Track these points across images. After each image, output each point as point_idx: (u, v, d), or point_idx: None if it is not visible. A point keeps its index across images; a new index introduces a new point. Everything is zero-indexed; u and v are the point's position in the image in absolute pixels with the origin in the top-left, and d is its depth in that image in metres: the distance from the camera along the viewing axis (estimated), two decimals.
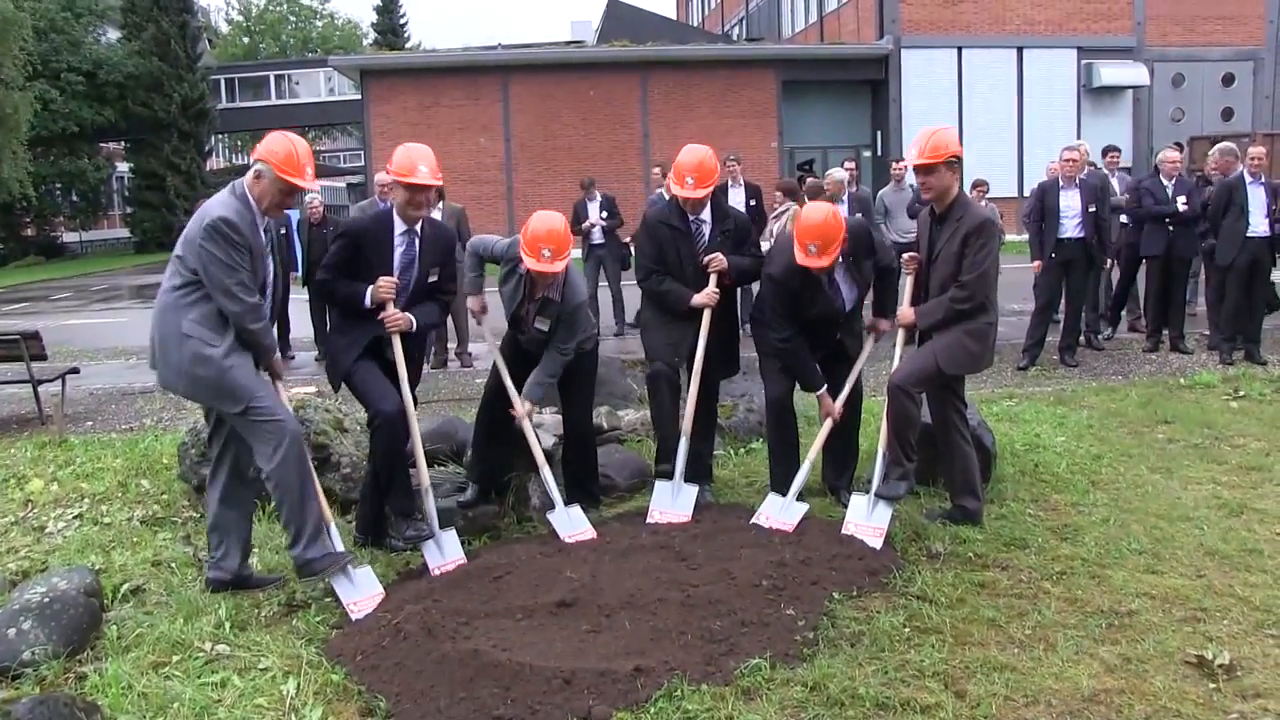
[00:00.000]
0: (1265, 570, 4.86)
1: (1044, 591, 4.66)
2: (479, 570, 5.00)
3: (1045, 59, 28.09)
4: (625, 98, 27.96)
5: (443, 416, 7.56)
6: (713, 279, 5.86)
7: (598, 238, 13.20)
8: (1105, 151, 12.25)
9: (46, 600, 4.30)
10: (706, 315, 5.87)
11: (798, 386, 5.89)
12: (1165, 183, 10.72)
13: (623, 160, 27.45)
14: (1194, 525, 5.50)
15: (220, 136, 54.09)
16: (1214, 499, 5.96)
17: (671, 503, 5.73)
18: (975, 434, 6.03)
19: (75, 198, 42.71)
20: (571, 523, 5.50)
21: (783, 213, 11.93)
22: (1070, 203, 10.11)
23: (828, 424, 5.81)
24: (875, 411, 6.52)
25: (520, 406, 5.68)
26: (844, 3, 31.17)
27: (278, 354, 5.06)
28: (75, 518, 6.22)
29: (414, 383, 5.48)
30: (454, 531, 5.35)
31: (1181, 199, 10.58)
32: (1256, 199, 10.06)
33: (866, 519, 5.28)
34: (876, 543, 5.13)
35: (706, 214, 5.99)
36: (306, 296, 11.85)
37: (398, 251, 5.33)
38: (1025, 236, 11.00)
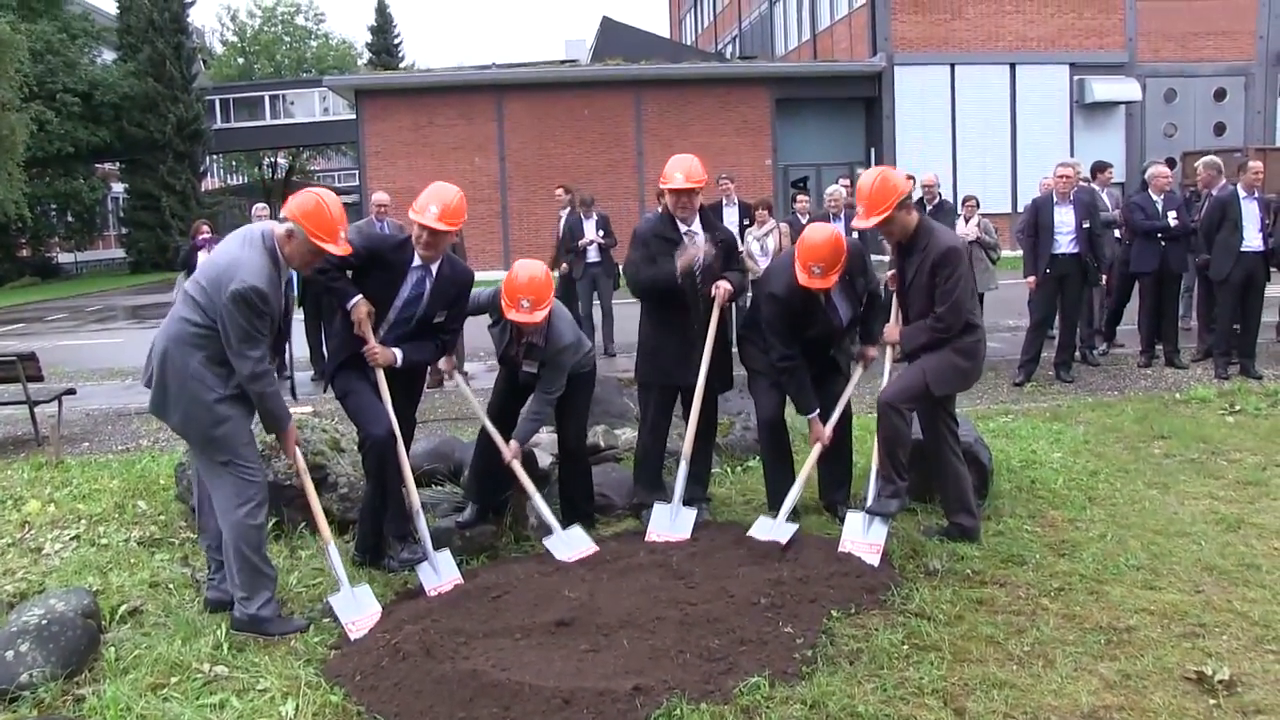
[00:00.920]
0: (1263, 585, 4.87)
1: (1042, 608, 4.66)
2: (478, 590, 4.99)
3: (1038, 75, 28.22)
4: (619, 116, 28.05)
5: (440, 436, 7.56)
6: (717, 303, 5.91)
7: (594, 256, 13.21)
8: (1098, 169, 12.24)
9: (44, 622, 4.29)
10: (712, 331, 5.91)
11: (795, 413, 5.91)
12: (1156, 198, 10.76)
13: (617, 178, 27.53)
14: (1191, 540, 5.50)
15: (215, 157, 54.08)
16: (1211, 514, 5.97)
17: (670, 525, 5.72)
18: (972, 450, 6.05)
19: (70, 218, 42.63)
20: (570, 544, 5.49)
21: (766, 234, 11.98)
22: (1064, 218, 10.12)
23: (817, 448, 5.83)
24: (871, 428, 6.52)
25: (508, 451, 5.69)
26: (837, 20, 31.33)
27: (292, 425, 4.90)
28: (72, 539, 6.19)
29: (415, 400, 5.49)
30: (448, 552, 5.34)
31: (1172, 214, 10.62)
32: (1250, 214, 10.10)
33: (863, 536, 5.27)
34: (874, 559, 5.13)
35: (697, 225, 6.02)
36: (303, 316, 11.84)
37: (407, 283, 5.33)
38: (1020, 252, 11.02)
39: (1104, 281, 11.23)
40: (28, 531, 6.40)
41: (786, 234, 11.77)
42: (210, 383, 4.52)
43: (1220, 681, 3.88)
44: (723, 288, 5.90)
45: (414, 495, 5.34)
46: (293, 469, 5.35)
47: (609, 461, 6.87)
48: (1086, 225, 10.10)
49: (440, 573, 5.18)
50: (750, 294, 7.07)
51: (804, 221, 11.97)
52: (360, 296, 5.22)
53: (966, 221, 12.33)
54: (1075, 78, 28.30)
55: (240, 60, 58.82)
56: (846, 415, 5.96)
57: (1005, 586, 4.92)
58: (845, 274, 5.63)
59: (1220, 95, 29.22)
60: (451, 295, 5.48)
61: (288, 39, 59.01)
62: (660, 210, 6.23)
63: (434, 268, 5.36)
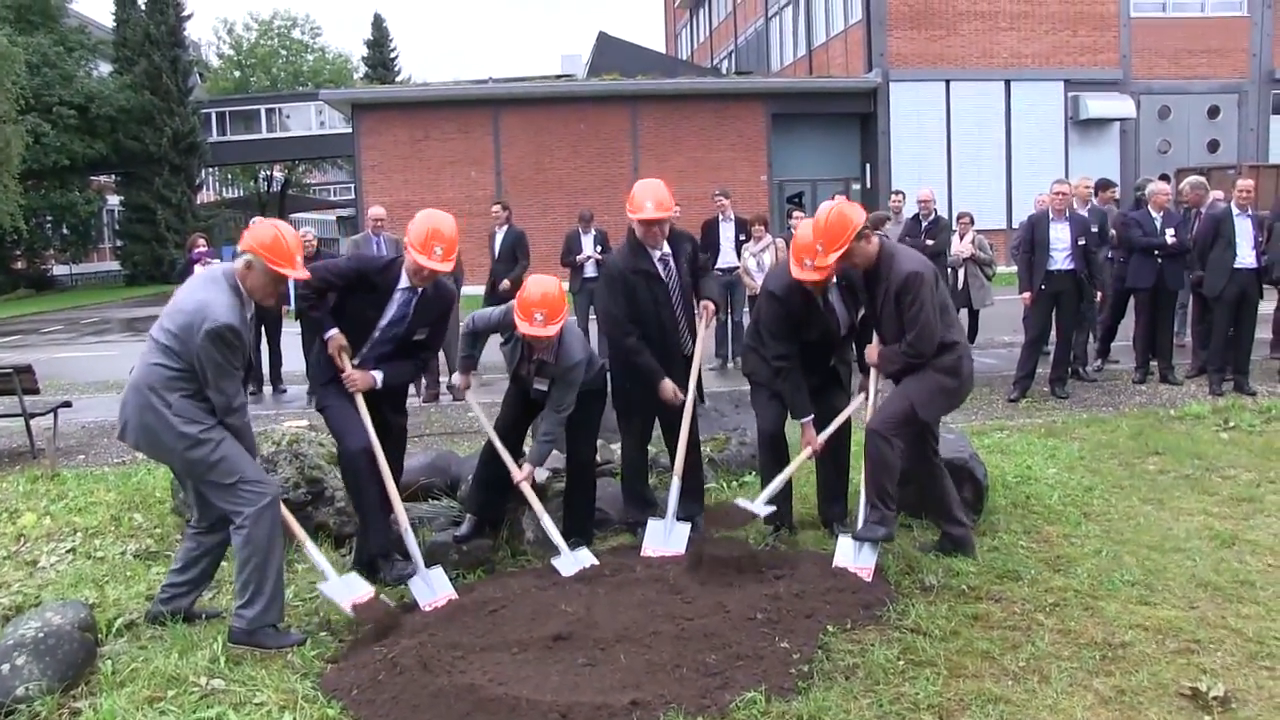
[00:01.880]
0: (1258, 601, 4.88)
1: (1037, 623, 4.67)
2: (474, 604, 5.00)
3: (1033, 91, 28.33)
4: (615, 131, 28.09)
5: (436, 450, 7.56)
6: (709, 321, 5.93)
7: (591, 271, 13.23)
8: (1101, 186, 12.23)
9: (41, 635, 4.28)
10: (696, 360, 5.98)
11: (789, 417, 5.91)
12: (1155, 215, 10.80)
13: (614, 193, 27.46)
14: (1186, 556, 5.52)
15: (211, 170, 54.15)
16: (1206, 530, 5.98)
17: (665, 541, 5.72)
18: (967, 466, 6.06)
19: (66, 231, 42.63)
20: (577, 564, 5.47)
21: (763, 250, 12.01)
22: (1060, 235, 10.14)
23: (806, 451, 5.82)
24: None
25: (518, 472, 5.69)
26: (833, 36, 31.44)
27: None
28: (68, 552, 6.19)
29: (401, 410, 5.56)
30: (440, 568, 5.34)
31: (1170, 231, 10.66)
32: (1244, 231, 10.15)
33: (853, 561, 5.23)
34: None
35: (666, 247, 6.02)
36: (299, 330, 11.83)
37: (392, 306, 5.38)
38: (1015, 268, 11.06)
39: (1098, 299, 11.24)
40: (23, 544, 6.39)
41: (783, 249, 11.79)
42: (196, 415, 4.60)
43: (1215, 697, 3.89)
44: (709, 308, 5.93)
45: (401, 513, 5.34)
46: (287, 483, 5.37)
47: (605, 476, 6.86)
48: (1082, 242, 10.13)
49: (434, 588, 5.18)
50: (748, 307, 7.10)
51: None
52: (335, 330, 5.30)
53: (961, 238, 12.40)
54: (1070, 94, 28.41)
55: (236, 73, 58.81)
56: (844, 428, 5.95)
57: (1000, 602, 4.93)
58: (843, 280, 5.64)
59: (1214, 112, 29.35)
60: (434, 315, 5.56)
61: (284, 52, 58.99)
62: (627, 239, 6.11)
63: (419, 289, 5.43)
